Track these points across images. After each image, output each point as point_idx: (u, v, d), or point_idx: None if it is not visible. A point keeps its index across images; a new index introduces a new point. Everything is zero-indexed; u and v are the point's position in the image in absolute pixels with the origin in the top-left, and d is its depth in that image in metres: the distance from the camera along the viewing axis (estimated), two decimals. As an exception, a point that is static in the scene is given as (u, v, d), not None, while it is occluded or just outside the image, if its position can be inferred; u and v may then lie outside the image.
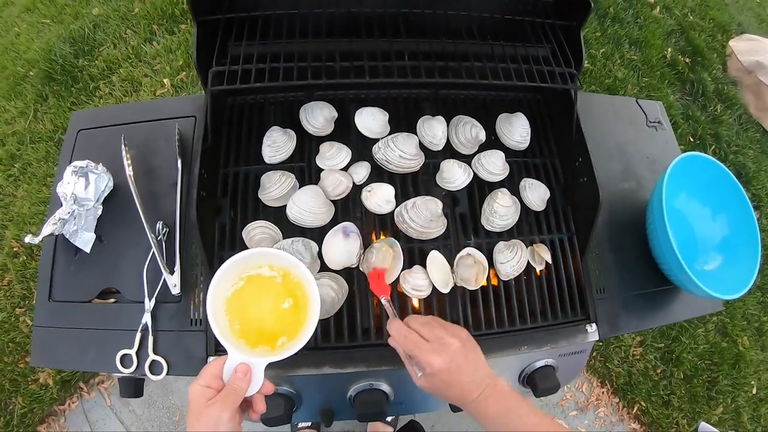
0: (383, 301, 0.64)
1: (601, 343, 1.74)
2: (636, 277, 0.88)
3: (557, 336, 0.79)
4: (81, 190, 0.81)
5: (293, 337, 0.57)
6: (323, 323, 0.71)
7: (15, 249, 1.71)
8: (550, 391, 0.79)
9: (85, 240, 0.80)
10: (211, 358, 0.73)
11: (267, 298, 0.59)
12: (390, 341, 0.61)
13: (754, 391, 1.84)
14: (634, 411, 1.71)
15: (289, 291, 0.59)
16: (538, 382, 0.78)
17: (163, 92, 1.82)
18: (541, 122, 0.92)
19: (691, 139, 2.07)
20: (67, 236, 0.80)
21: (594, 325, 0.80)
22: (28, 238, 0.79)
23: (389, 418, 1.46)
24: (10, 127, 1.84)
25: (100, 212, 0.83)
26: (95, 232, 0.81)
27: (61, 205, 0.81)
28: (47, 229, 0.78)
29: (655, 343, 1.79)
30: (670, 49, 2.24)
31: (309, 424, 1.45)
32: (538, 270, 0.81)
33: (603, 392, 1.72)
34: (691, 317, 0.99)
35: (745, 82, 2.25)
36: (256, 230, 0.73)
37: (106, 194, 0.84)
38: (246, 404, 0.54)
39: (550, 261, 0.79)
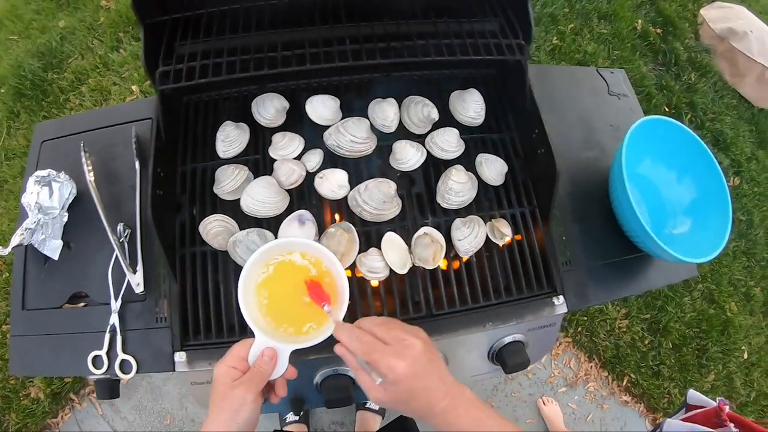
0: (325, 309, 0.58)
1: (585, 318, 1.75)
2: (603, 246, 0.87)
3: (523, 311, 0.79)
4: (45, 198, 0.83)
5: (321, 324, 0.58)
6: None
7: (-4, 262, 1.71)
8: (519, 366, 0.79)
9: (53, 247, 0.81)
10: (178, 354, 0.74)
11: (297, 285, 0.60)
12: (337, 349, 0.55)
13: (746, 356, 1.86)
14: (624, 383, 1.73)
15: (319, 279, 0.60)
16: (507, 358, 0.78)
17: (133, 99, 1.81)
18: (497, 97, 0.92)
19: (666, 109, 2.07)
20: (36, 245, 0.81)
21: (561, 297, 0.80)
22: None
23: (376, 406, 1.47)
24: (-16, 146, 1.84)
25: (65, 219, 0.84)
26: (62, 239, 0.82)
27: (28, 216, 0.82)
28: (15, 240, 0.80)
29: (640, 314, 1.80)
30: (640, 21, 2.24)
31: (297, 418, 1.45)
32: (500, 245, 0.81)
33: (591, 367, 1.73)
34: (665, 284, 0.99)
35: (719, 49, 2.25)
36: (213, 224, 0.73)
37: (70, 201, 0.85)
38: (268, 388, 0.55)
39: (510, 235, 0.80)
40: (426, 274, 0.76)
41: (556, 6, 2.16)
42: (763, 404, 1.79)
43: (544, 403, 1.65)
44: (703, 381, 1.77)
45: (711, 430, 0.85)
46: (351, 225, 0.74)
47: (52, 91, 1.86)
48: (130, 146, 0.87)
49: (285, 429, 1.46)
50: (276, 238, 0.73)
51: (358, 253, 0.72)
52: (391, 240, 0.73)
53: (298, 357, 0.70)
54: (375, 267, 0.71)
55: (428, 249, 0.74)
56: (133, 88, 1.81)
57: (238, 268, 0.74)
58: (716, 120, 2.13)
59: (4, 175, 1.79)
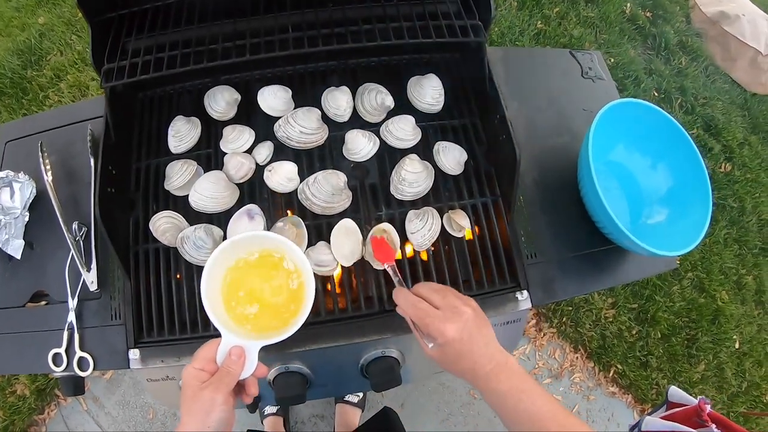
0: (388, 268, 0.61)
1: (570, 308, 1.73)
2: (573, 238, 0.84)
3: (484, 306, 0.73)
4: (7, 199, 0.84)
5: (287, 320, 0.57)
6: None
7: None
8: None
9: (15, 247, 0.82)
10: (132, 352, 0.73)
11: (262, 281, 0.59)
12: (398, 310, 0.60)
13: (737, 346, 1.83)
14: (611, 374, 1.71)
15: (285, 275, 0.59)
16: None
17: (91, 98, 1.81)
18: (460, 82, 0.89)
19: (656, 94, 2.03)
20: (0, 245, 0.81)
21: (525, 292, 0.77)
22: None
23: (355, 399, 1.47)
24: (-34, 145, 1.84)
25: (27, 219, 0.84)
26: (24, 239, 0.83)
27: None
28: None
29: (628, 303, 1.77)
30: (629, 4, 2.19)
31: (275, 410, 1.45)
32: (458, 237, 0.79)
33: (577, 357, 1.72)
34: (641, 277, 0.96)
35: (710, 33, 2.20)
36: (161, 221, 0.72)
37: (30, 201, 0.85)
38: (240, 387, 0.54)
39: (468, 227, 0.77)
40: (379, 270, 0.74)
41: (543, -10, 2.12)
42: (754, 394, 1.77)
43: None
44: (693, 371, 1.75)
45: (691, 429, 0.82)
46: (300, 219, 0.72)
47: (32, 88, 1.85)
48: (84, 144, 0.86)
49: (264, 420, 1.46)
50: (225, 233, 0.72)
51: (307, 248, 0.71)
52: (345, 227, 0.71)
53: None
54: (323, 260, 0.70)
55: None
56: (112, 83, 1.80)
57: (189, 265, 0.73)
58: (707, 105, 2.08)
59: (-13, 174, 1.79)
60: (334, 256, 0.70)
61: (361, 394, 1.48)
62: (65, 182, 0.86)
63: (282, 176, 0.73)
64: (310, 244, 0.72)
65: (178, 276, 0.75)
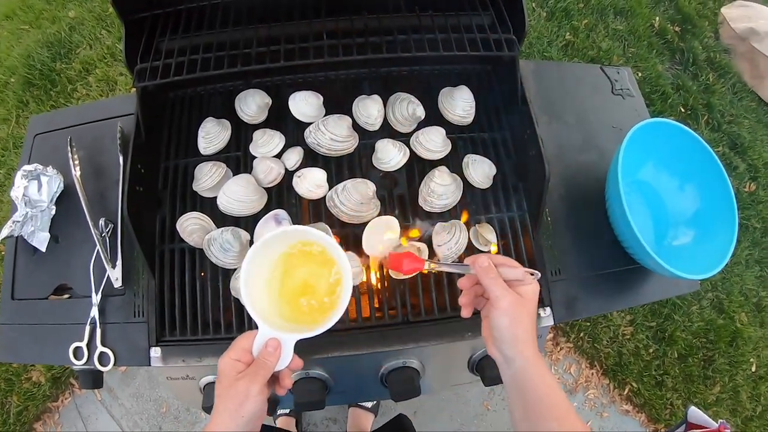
0: (436, 266, 0.60)
1: (588, 323, 1.70)
2: (597, 256, 0.83)
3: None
4: (35, 192, 0.85)
5: (325, 315, 0.56)
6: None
7: (3, 253, 1.75)
8: (499, 379, 0.77)
9: (41, 239, 0.83)
10: (153, 350, 0.74)
11: (303, 275, 0.59)
12: (480, 271, 0.56)
13: (753, 369, 1.78)
14: (626, 392, 1.68)
15: (325, 270, 0.59)
16: (486, 370, 0.75)
17: (122, 96, 1.83)
18: (490, 95, 0.88)
19: (683, 110, 1.99)
20: (25, 237, 0.83)
21: (548, 309, 0.77)
22: None
23: (368, 404, 1.46)
24: (-6, 134, 1.87)
25: (53, 212, 0.85)
26: (50, 232, 0.84)
27: (17, 209, 0.84)
28: (5, 232, 0.83)
29: (646, 321, 1.74)
30: (658, 18, 2.15)
31: (288, 411, 1.45)
32: (485, 251, 0.78)
33: (592, 373, 1.69)
34: (662, 298, 0.95)
35: (739, 49, 2.15)
36: (189, 221, 0.73)
37: (58, 195, 0.86)
38: (274, 379, 0.54)
39: (495, 241, 0.77)
40: (405, 280, 0.73)
41: (570, 1, 2.09)
42: (769, 420, 1.73)
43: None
44: (708, 393, 1.71)
45: None
46: (327, 226, 0.72)
47: (60, 81, 1.88)
48: (114, 141, 0.87)
49: (276, 419, 1.46)
50: (252, 237, 0.72)
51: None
52: (386, 223, 0.71)
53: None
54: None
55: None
56: (139, 79, 1.82)
57: (215, 267, 0.73)
58: (734, 123, 2.04)
59: (13, 164, 1.82)
60: (365, 249, 0.69)
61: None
62: (92, 178, 0.87)
63: (311, 183, 0.73)
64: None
65: (202, 273, 0.75)
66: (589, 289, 0.81)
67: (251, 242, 0.72)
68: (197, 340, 0.73)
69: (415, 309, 0.73)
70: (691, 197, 0.88)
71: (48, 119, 0.98)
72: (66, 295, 0.81)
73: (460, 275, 0.60)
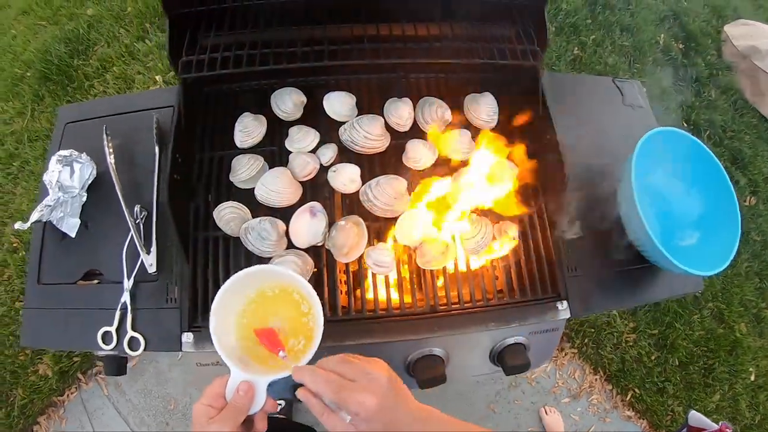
0: (281, 355, 0.55)
1: (592, 330, 1.73)
2: (610, 254, 0.86)
3: (526, 313, 0.79)
4: (66, 178, 0.86)
5: (297, 355, 0.55)
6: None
7: (14, 245, 1.75)
8: (519, 368, 0.80)
9: (71, 225, 0.84)
10: (185, 335, 0.75)
11: (273, 316, 0.58)
12: (300, 394, 0.52)
13: (753, 378, 1.82)
14: (628, 398, 1.71)
15: (296, 311, 0.58)
16: (507, 360, 0.79)
17: (156, 88, 1.85)
18: (511, 102, 0.92)
19: (685, 125, 2.05)
20: (54, 222, 0.83)
21: (565, 302, 0.80)
22: (17, 225, 0.83)
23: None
24: (9, 127, 1.89)
25: (84, 199, 0.86)
26: (80, 218, 0.85)
27: (48, 194, 0.84)
28: (35, 216, 0.82)
29: (648, 329, 1.78)
30: (662, 35, 2.22)
31: (278, 410, 1.46)
32: (505, 247, 0.81)
33: (596, 379, 1.72)
34: (670, 296, 0.98)
35: (741, 67, 2.22)
36: (226, 210, 0.75)
37: (90, 182, 0.87)
38: (249, 423, 0.52)
39: (517, 237, 0.80)
40: (432, 270, 0.76)
41: (579, 17, 2.16)
42: (767, 428, 1.76)
43: (546, 413, 1.64)
44: (708, 401, 1.74)
45: None
46: (360, 219, 0.75)
47: (77, 76, 1.91)
48: (149, 132, 0.89)
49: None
50: (287, 227, 0.75)
51: (367, 247, 0.74)
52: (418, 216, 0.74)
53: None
54: (382, 261, 0.72)
55: (436, 246, 0.74)
56: (157, 78, 1.85)
57: (249, 254, 0.76)
58: (735, 138, 2.10)
59: (27, 156, 1.84)
60: (398, 240, 0.72)
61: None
62: (124, 167, 0.88)
63: (346, 177, 0.76)
64: (369, 243, 0.74)
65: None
66: (603, 285, 0.85)
67: (287, 232, 0.74)
68: (230, 326, 0.75)
69: (441, 299, 0.76)
70: (696, 201, 0.92)
71: (78, 109, 0.99)
72: (95, 281, 0.82)
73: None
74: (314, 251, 0.75)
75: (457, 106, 0.89)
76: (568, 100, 1.01)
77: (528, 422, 1.64)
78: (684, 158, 0.90)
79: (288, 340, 0.57)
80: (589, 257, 0.85)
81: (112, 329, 0.76)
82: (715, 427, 0.92)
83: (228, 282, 0.56)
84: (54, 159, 0.86)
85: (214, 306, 0.54)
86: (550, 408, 1.66)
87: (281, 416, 1.51)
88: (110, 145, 0.88)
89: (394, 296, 0.75)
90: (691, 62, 2.20)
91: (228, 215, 0.74)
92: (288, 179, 0.76)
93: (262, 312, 0.58)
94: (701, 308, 1.85)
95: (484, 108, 0.87)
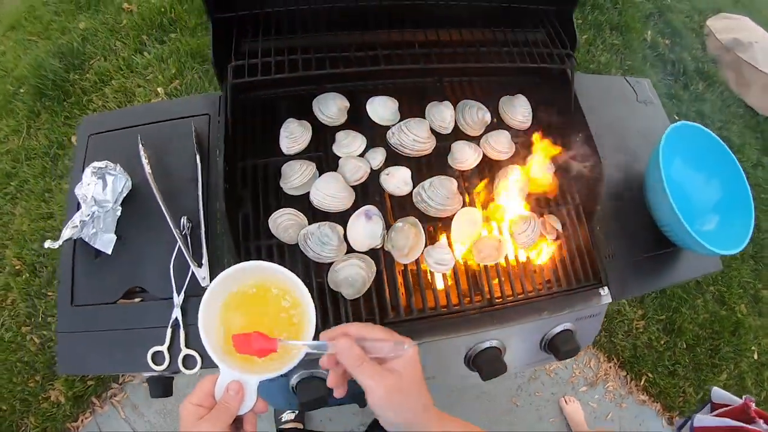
0: (280, 342, 0.52)
1: (604, 319, 1.78)
2: (639, 241, 0.92)
3: (574, 301, 0.82)
4: (99, 191, 0.81)
5: (288, 353, 0.54)
6: (353, 303, 0.74)
7: (17, 267, 1.70)
8: (570, 353, 0.83)
9: (106, 241, 0.80)
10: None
11: (263, 313, 0.56)
12: (341, 354, 0.51)
13: (756, 357, 1.91)
14: (642, 383, 1.76)
15: (285, 307, 0.57)
16: (560, 346, 0.82)
17: (158, 101, 1.83)
18: (543, 103, 0.95)
19: (676, 117, 2.14)
20: (86, 239, 0.79)
21: (606, 288, 0.84)
22: (47, 243, 0.78)
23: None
24: (4, 146, 1.83)
25: (119, 213, 0.82)
26: (115, 233, 0.81)
27: (78, 208, 0.80)
28: (67, 233, 0.78)
29: (656, 315, 1.84)
30: (649, 32, 2.31)
31: (293, 417, 1.46)
32: (549, 239, 0.84)
33: (610, 367, 1.77)
34: (694, 277, 1.04)
35: (725, 59, 2.33)
36: (283, 217, 0.75)
37: (124, 195, 0.83)
38: (238, 423, 0.52)
39: (560, 230, 0.83)
40: (485, 266, 0.78)
41: (569, 16, 2.22)
42: (773, 403, 1.84)
43: (566, 402, 1.68)
44: (716, 380, 1.82)
45: (741, 423, 0.87)
46: (416, 220, 0.76)
47: (74, 91, 1.86)
48: (184, 140, 0.86)
49: (281, 428, 1.46)
50: (345, 232, 0.75)
51: (425, 246, 0.75)
52: (469, 217, 0.76)
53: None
54: (443, 259, 0.74)
55: (490, 242, 0.76)
56: (159, 90, 1.82)
57: (307, 261, 0.75)
58: (723, 128, 2.20)
59: (25, 175, 1.78)
60: (453, 255, 0.74)
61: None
62: (161, 178, 0.84)
63: (399, 180, 0.77)
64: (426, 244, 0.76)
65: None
66: (635, 270, 0.89)
67: (345, 237, 0.75)
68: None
69: (497, 293, 0.79)
70: (713, 189, 0.99)
71: (102, 120, 0.94)
72: (137, 299, 0.78)
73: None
74: (372, 255, 0.76)
75: (491, 108, 0.91)
76: (586, 98, 1.04)
77: (549, 413, 1.68)
78: (701, 150, 0.97)
79: (273, 329, 0.55)
80: (621, 245, 0.90)
81: (164, 348, 0.73)
82: (739, 401, 0.96)
83: (213, 282, 0.55)
84: (89, 171, 0.81)
85: (202, 306, 0.53)
86: (570, 397, 1.70)
87: (296, 424, 1.50)
88: (146, 154, 0.85)
89: (453, 293, 0.77)
90: (678, 57, 2.30)
91: (285, 222, 0.74)
92: (342, 184, 0.76)
93: (247, 309, 0.56)
94: (704, 292, 1.93)
95: (519, 110, 0.90)
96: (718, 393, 1.03)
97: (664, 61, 2.28)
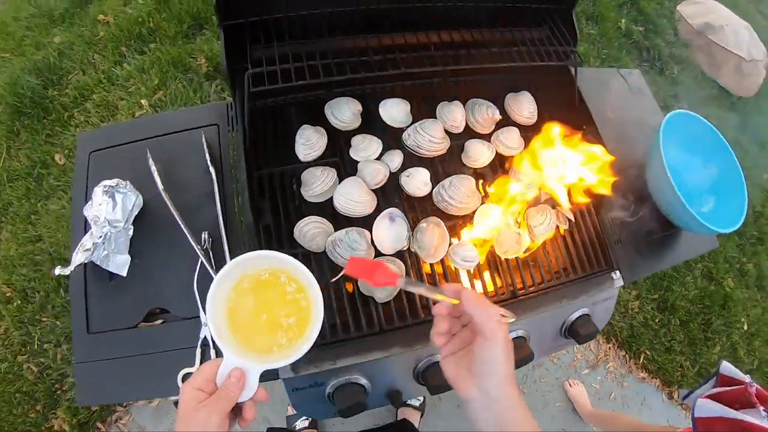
0: (400, 283, 0.53)
1: (604, 302, 1.84)
2: (642, 225, 0.95)
3: (589, 286, 0.86)
4: (109, 211, 0.77)
5: (292, 344, 0.54)
6: (384, 305, 0.74)
7: (7, 294, 1.63)
8: (590, 336, 0.86)
9: (119, 263, 0.77)
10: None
11: (268, 302, 0.56)
12: (469, 300, 0.51)
13: (746, 327, 2.00)
14: (641, 361, 1.83)
15: (292, 297, 0.57)
16: (580, 330, 0.85)
17: (142, 113, 1.78)
18: (546, 98, 0.98)
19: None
20: (97, 262, 0.76)
21: (618, 272, 0.88)
22: (57, 270, 0.75)
23: (416, 403, 1.51)
24: (-17, 168, 1.76)
25: (131, 233, 0.79)
26: (129, 254, 0.78)
27: (86, 231, 0.77)
28: (79, 258, 0.74)
29: (650, 294, 1.91)
30: (623, 20, 2.38)
31: (307, 424, 1.46)
32: (562, 229, 0.87)
33: (610, 348, 1.83)
34: (694, 255, 1.09)
35: (696, 43, 2.41)
36: (309, 226, 0.75)
37: (135, 213, 0.80)
38: (237, 410, 0.52)
39: (572, 220, 0.86)
40: (506, 259, 0.80)
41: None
42: (765, 371, 1.93)
43: (570, 385, 1.72)
44: (711, 353, 1.90)
45: (741, 415, 0.87)
46: (439, 219, 0.77)
47: (54, 108, 1.80)
48: (194, 152, 0.84)
49: None
50: (372, 236, 0.76)
51: (450, 245, 0.76)
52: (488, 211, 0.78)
53: (402, 350, 0.73)
54: (468, 256, 0.75)
55: (511, 236, 0.78)
56: (143, 102, 1.78)
57: (335, 268, 0.75)
58: (699, 110, 2.28)
59: (8, 198, 1.72)
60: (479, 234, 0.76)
61: (421, 398, 1.51)
62: (173, 192, 0.81)
63: (419, 181, 0.78)
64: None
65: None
66: (641, 253, 0.93)
67: (372, 241, 0.75)
68: (325, 344, 0.73)
69: (519, 283, 0.81)
70: (707, 173, 1.04)
71: (99, 136, 0.90)
72: (159, 321, 0.75)
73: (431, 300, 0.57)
74: (399, 256, 0.77)
75: (498, 106, 0.93)
76: (583, 91, 1.08)
77: (555, 398, 1.72)
78: (695, 136, 1.01)
79: (280, 318, 0.56)
80: (626, 230, 0.93)
81: (194, 369, 0.71)
82: (747, 379, 0.96)
83: (220, 272, 0.55)
84: (99, 190, 0.78)
85: (210, 295, 0.53)
86: (573, 381, 1.75)
87: (310, 431, 1.50)
88: (157, 169, 0.82)
89: (479, 287, 0.79)
90: (652, 43, 2.37)
91: (312, 230, 0.74)
92: (364, 188, 0.77)
93: (254, 299, 0.56)
94: (692, 269, 2.01)
95: (525, 106, 0.92)
96: (727, 367, 1.03)
97: (639, 48, 2.36)
